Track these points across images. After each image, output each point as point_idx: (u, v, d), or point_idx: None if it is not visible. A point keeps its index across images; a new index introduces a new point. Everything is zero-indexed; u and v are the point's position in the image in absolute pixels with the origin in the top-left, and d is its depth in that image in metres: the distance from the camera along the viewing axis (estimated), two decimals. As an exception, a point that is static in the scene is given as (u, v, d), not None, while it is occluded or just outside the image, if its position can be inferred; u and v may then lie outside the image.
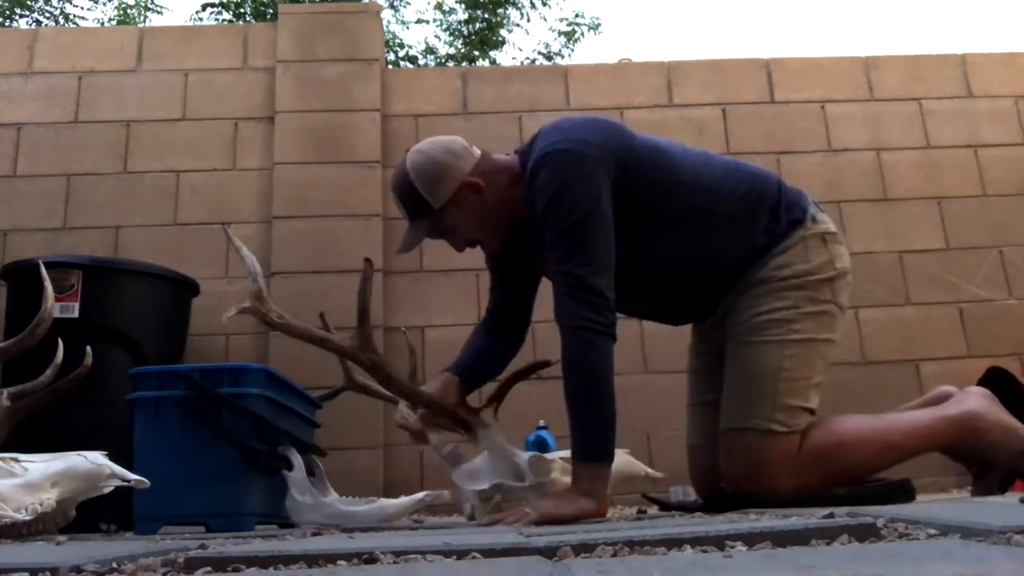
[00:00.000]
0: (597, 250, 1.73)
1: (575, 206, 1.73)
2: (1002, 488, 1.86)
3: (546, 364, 1.95)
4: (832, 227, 1.91)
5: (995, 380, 2.20)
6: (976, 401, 1.85)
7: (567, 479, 1.77)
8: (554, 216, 1.74)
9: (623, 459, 2.22)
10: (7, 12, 9.51)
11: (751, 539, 0.88)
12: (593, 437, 1.68)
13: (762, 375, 1.77)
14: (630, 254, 1.82)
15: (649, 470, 2.41)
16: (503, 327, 2.08)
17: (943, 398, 1.90)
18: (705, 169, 1.89)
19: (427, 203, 1.84)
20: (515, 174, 1.87)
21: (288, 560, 0.88)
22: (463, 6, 10.18)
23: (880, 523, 0.94)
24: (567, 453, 1.77)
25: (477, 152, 1.90)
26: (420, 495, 2.21)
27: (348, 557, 0.90)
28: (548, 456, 1.90)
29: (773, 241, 1.85)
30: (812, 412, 1.78)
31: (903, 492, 1.76)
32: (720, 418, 1.82)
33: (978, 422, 1.80)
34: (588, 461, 1.67)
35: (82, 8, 10.04)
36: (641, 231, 1.83)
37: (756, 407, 1.76)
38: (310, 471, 2.10)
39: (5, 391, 1.81)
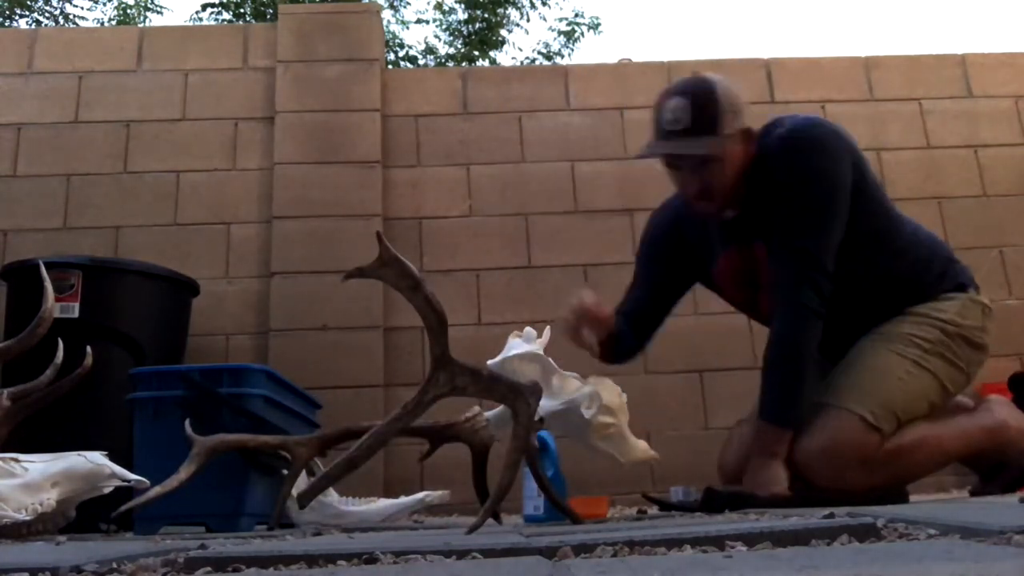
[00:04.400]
0: (835, 229, 1.80)
1: (826, 179, 1.79)
2: (1006, 489, 1.88)
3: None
4: (990, 306, 2.00)
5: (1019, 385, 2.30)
6: (1004, 411, 1.94)
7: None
8: (801, 187, 1.78)
9: (604, 384, 1.94)
10: (7, 12, 9.52)
11: (751, 539, 0.88)
12: (787, 402, 1.78)
13: (880, 373, 1.83)
14: (847, 258, 1.87)
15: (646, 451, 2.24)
16: (637, 321, 2.08)
17: (964, 407, 1.99)
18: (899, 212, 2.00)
19: (718, 124, 1.76)
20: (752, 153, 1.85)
21: (288, 560, 0.88)
22: (463, 6, 10.20)
23: (880, 523, 0.94)
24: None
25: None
26: (420, 495, 2.21)
27: (348, 557, 0.90)
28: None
29: (939, 291, 1.92)
30: (899, 424, 1.82)
31: (896, 494, 1.77)
32: (819, 393, 1.85)
33: (1007, 432, 1.89)
34: (776, 423, 1.78)
35: (82, 8, 10.06)
36: (849, 239, 1.87)
37: (859, 395, 1.80)
38: (310, 471, 2.09)
39: (5, 391, 1.81)
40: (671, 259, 2.09)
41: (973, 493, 2.02)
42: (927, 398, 1.86)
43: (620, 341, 2.02)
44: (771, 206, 1.82)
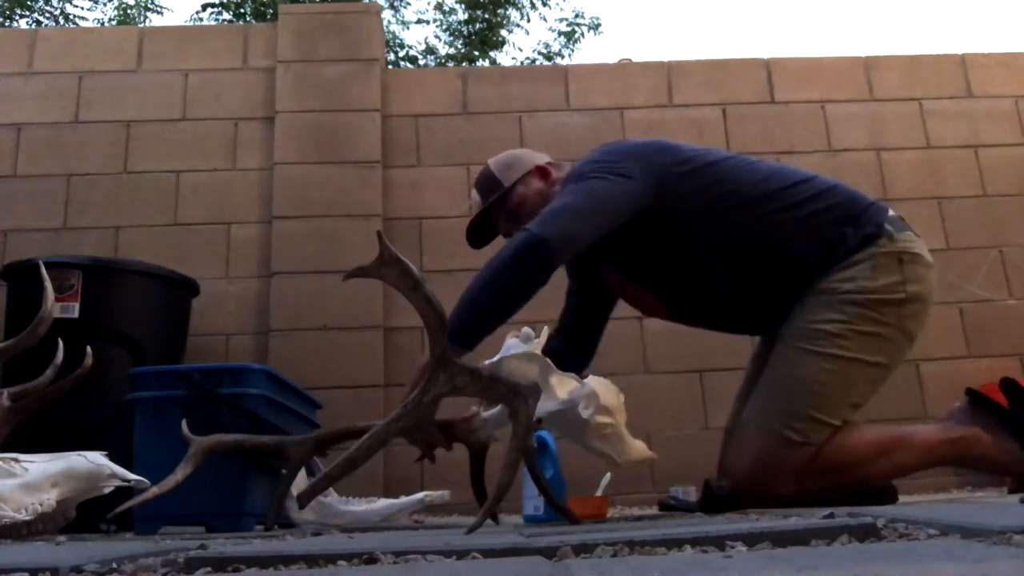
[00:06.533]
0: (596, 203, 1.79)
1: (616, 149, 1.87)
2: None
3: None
4: (915, 248, 1.84)
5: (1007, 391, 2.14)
6: (977, 422, 1.79)
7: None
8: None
9: (602, 384, 1.82)
10: (7, 12, 9.52)
11: (751, 539, 0.88)
12: (466, 318, 1.70)
13: (796, 382, 1.76)
14: (695, 264, 1.85)
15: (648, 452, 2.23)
16: (576, 333, 2.13)
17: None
18: (765, 179, 1.88)
19: (499, 183, 2.01)
20: None
21: (288, 560, 0.88)
22: (463, 6, 10.20)
23: (880, 523, 0.94)
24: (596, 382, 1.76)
25: (552, 160, 2.08)
26: (420, 495, 2.21)
27: (348, 557, 0.90)
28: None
29: (843, 254, 1.81)
30: (837, 428, 1.75)
31: (885, 495, 1.77)
32: (744, 408, 1.83)
33: (980, 446, 1.76)
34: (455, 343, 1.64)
35: (82, 8, 10.09)
36: (704, 240, 1.84)
37: (779, 410, 1.75)
38: (310, 471, 2.09)
39: (5, 391, 1.81)
40: (586, 272, 2.13)
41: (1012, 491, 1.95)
42: (861, 383, 1.77)
43: (562, 361, 1.93)
44: None
